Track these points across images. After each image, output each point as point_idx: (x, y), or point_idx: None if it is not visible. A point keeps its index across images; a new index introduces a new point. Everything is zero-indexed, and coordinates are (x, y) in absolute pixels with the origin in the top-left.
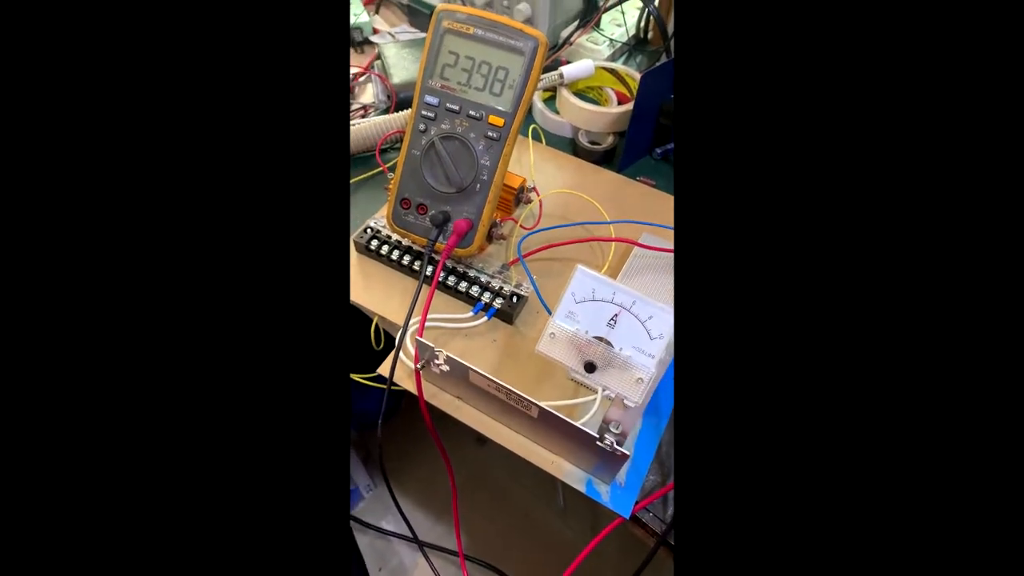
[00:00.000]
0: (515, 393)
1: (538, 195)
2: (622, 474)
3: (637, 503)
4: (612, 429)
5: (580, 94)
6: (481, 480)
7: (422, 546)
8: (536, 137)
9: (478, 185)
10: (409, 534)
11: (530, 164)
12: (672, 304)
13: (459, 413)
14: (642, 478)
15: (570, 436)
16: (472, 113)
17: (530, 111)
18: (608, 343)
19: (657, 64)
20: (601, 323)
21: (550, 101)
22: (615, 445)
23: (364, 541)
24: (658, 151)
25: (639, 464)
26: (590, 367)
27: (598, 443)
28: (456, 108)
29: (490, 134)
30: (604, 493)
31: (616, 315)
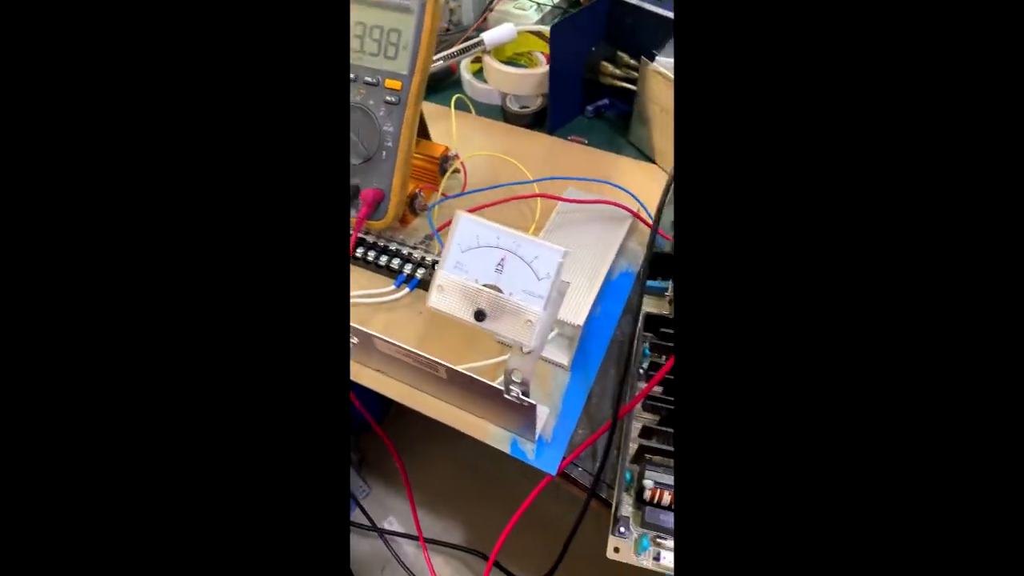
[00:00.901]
0: (422, 356)
1: (459, 160)
2: (548, 430)
3: (565, 459)
4: (514, 379)
5: (510, 61)
6: (473, 470)
7: (383, 533)
8: (464, 107)
9: (384, 152)
10: (375, 529)
11: (452, 131)
12: (565, 247)
13: (383, 387)
14: (570, 433)
15: (482, 394)
16: (368, 79)
17: (458, 83)
18: (498, 289)
19: (567, 15)
20: (489, 269)
21: (479, 73)
22: (521, 396)
23: (364, 544)
24: (590, 108)
25: (566, 420)
26: (480, 315)
27: (505, 396)
28: (352, 77)
29: (389, 99)
30: (529, 452)
31: (503, 259)
